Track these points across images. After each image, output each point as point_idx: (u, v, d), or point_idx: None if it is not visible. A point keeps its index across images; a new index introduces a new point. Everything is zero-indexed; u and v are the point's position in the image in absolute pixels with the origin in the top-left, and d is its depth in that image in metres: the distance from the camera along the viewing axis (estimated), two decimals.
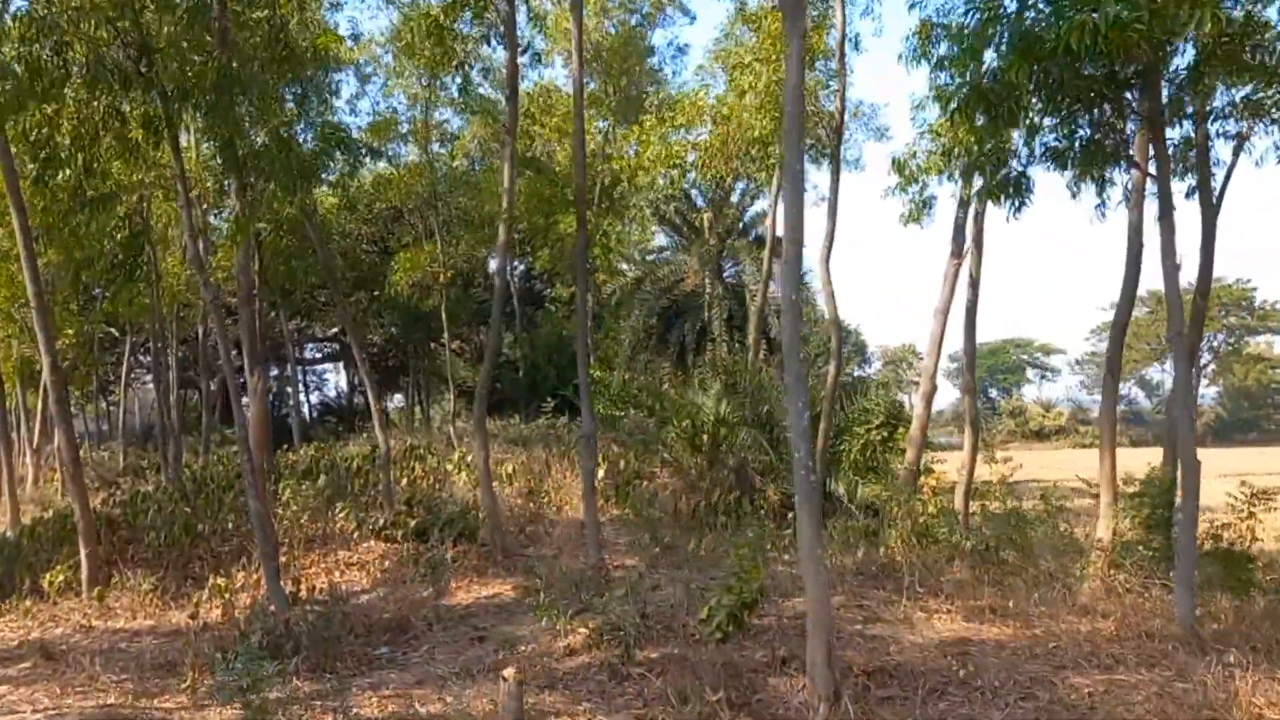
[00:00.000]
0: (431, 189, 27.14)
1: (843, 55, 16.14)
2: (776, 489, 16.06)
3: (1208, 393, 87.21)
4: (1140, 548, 10.47)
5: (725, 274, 30.86)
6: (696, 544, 12.70)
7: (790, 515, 15.46)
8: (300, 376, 47.86)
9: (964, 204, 17.11)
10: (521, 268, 43.40)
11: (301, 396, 44.51)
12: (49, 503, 24.53)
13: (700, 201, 32.49)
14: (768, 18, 19.08)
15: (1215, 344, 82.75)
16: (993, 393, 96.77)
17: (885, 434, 18.64)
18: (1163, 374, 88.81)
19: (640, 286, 32.14)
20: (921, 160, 16.81)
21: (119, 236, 11.50)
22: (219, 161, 11.71)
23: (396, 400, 52.10)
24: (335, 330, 44.77)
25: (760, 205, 31.93)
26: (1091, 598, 9.39)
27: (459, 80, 12.90)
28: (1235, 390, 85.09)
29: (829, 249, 16.57)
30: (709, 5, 77.27)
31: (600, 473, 17.54)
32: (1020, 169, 10.09)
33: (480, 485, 12.83)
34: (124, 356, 34.34)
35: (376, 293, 40.69)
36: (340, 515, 13.62)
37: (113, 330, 36.83)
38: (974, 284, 17.41)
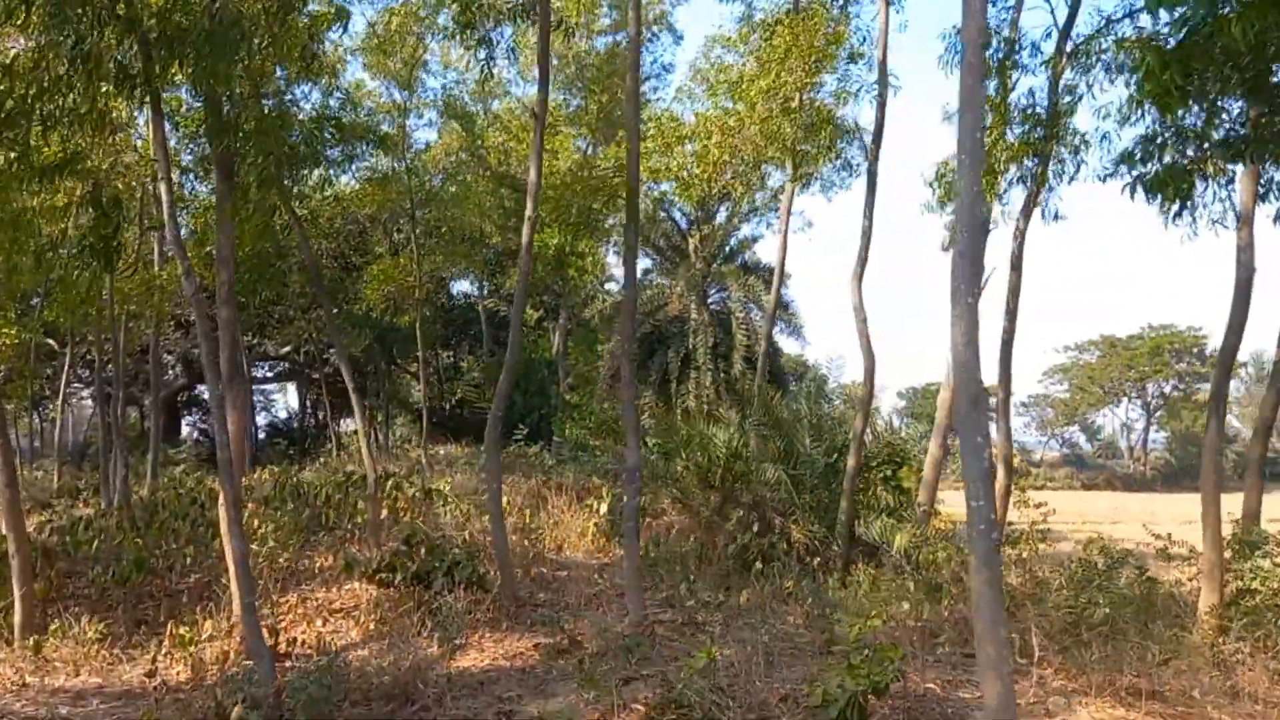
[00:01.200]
0: (409, 199, 25.44)
1: (884, 59, 14.85)
2: (800, 530, 14.53)
3: (1157, 438, 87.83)
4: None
5: (709, 300, 29.46)
6: (735, 594, 11.13)
7: (816, 560, 14.00)
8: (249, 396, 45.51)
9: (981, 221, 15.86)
10: (486, 289, 41.80)
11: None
12: None
13: (684, 223, 31.15)
14: (782, 23, 17.73)
15: (1166, 390, 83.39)
16: None
17: (888, 472, 17.32)
18: (1110, 418, 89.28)
19: (621, 312, 30.63)
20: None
21: (84, 218, 9.61)
22: (199, 133, 10.09)
23: (345, 424, 49.88)
24: (287, 349, 42.63)
25: (747, 230, 30.71)
26: (1246, 679, 7.97)
27: (481, 58, 11.16)
28: (1183, 436, 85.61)
29: (861, 272, 15.20)
30: (692, 25, 76.73)
31: (602, 509, 15.93)
32: (1192, 156, 8.67)
33: (491, 523, 11.14)
34: (63, 369, 31.96)
35: (337, 310, 38.93)
36: (324, 551, 11.80)
37: (51, 341, 34.46)
38: (1010, 314, 16.14)
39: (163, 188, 8.06)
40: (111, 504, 21.57)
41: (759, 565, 12.53)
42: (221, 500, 9.62)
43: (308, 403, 46.79)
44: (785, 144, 20.62)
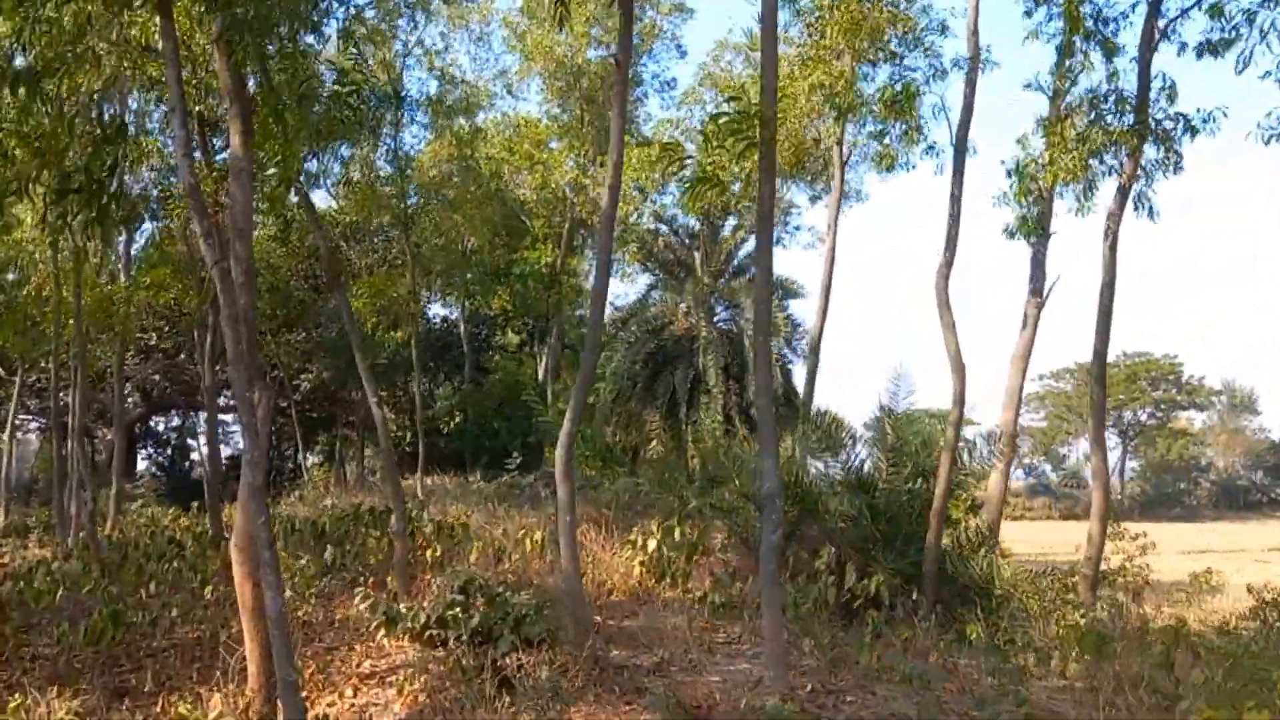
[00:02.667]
0: (401, 204, 23.45)
1: (975, 28, 13.16)
2: (882, 568, 12.53)
3: (1130, 467, 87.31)
4: None
5: (716, 318, 27.57)
6: (853, 649, 9.13)
7: (898, 604, 12.02)
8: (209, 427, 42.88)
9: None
10: (459, 311, 39.72)
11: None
12: None
13: (686, 239, 29.34)
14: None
15: (1142, 418, 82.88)
16: None
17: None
18: (1074, 448, 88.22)
19: (624, 328, 28.67)
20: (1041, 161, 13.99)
21: (78, 144, 7.47)
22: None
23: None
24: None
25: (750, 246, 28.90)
26: None
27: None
28: (1158, 465, 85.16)
29: (948, 270, 13.42)
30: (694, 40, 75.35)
31: (650, 545, 13.87)
32: None
33: (564, 564, 9.03)
34: (12, 398, 29.37)
35: (306, 335, 36.69)
36: (346, 601, 9.55)
37: None
38: (1103, 322, 14.40)
39: (175, 116, 5.98)
40: (67, 545, 19.20)
41: (872, 612, 10.52)
42: (236, 540, 7.49)
43: (273, 434, 44.16)
44: (833, 139, 19.01)
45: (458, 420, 33.32)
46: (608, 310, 37.60)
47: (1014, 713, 6.82)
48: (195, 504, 27.02)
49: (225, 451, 45.11)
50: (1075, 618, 11.59)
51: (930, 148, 14.55)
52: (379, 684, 8.89)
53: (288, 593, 10.57)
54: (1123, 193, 14.19)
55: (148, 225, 30.06)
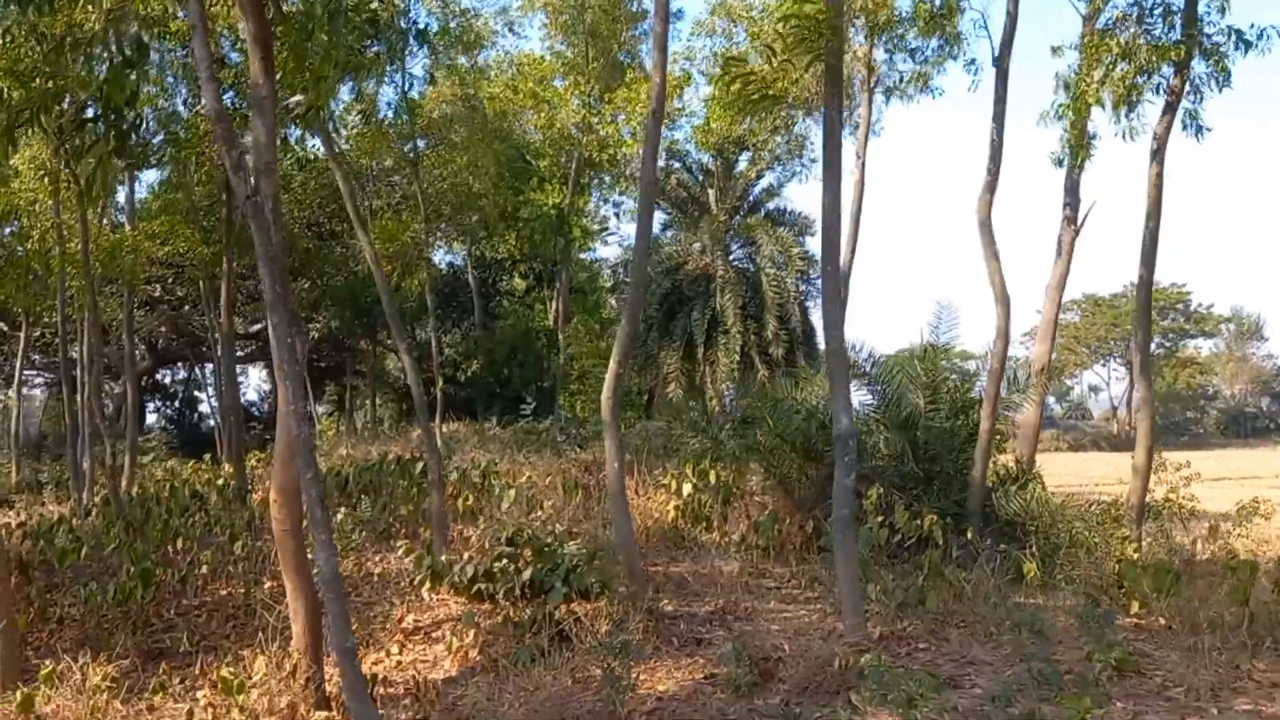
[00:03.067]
0: (411, 143, 22.79)
1: None
2: (928, 507, 12.09)
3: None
4: None
5: (731, 257, 26.98)
6: (932, 594, 8.75)
7: (951, 543, 11.64)
8: (216, 379, 42.52)
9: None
10: (464, 258, 39.06)
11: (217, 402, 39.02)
12: None
13: (699, 176, 28.63)
14: None
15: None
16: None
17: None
18: (1078, 380, 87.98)
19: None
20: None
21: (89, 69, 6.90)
22: None
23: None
24: (257, 327, 39.69)
25: (771, 178, 28.26)
26: None
27: None
28: (1165, 394, 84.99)
29: (991, 197, 12.87)
30: None
31: (686, 489, 13.50)
32: None
33: (613, 513, 8.64)
34: (19, 352, 28.92)
35: (310, 284, 36.13)
36: (402, 557, 9.14)
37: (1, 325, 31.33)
38: (1149, 246, 13.87)
39: (195, 30, 5.42)
40: (84, 501, 18.90)
41: (930, 554, 10.12)
42: (274, 494, 7.07)
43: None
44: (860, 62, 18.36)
45: (474, 367, 32.83)
46: (617, 251, 37.06)
47: (1106, 658, 6.44)
48: (208, 456, 26.74)
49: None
50: (1129, 552, 11.25)
51: (971, 63, 13.91)
52: (424, 640, 8.56)
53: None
54: (1169, 111, 13.58)
55: (151, 174, 29.45)
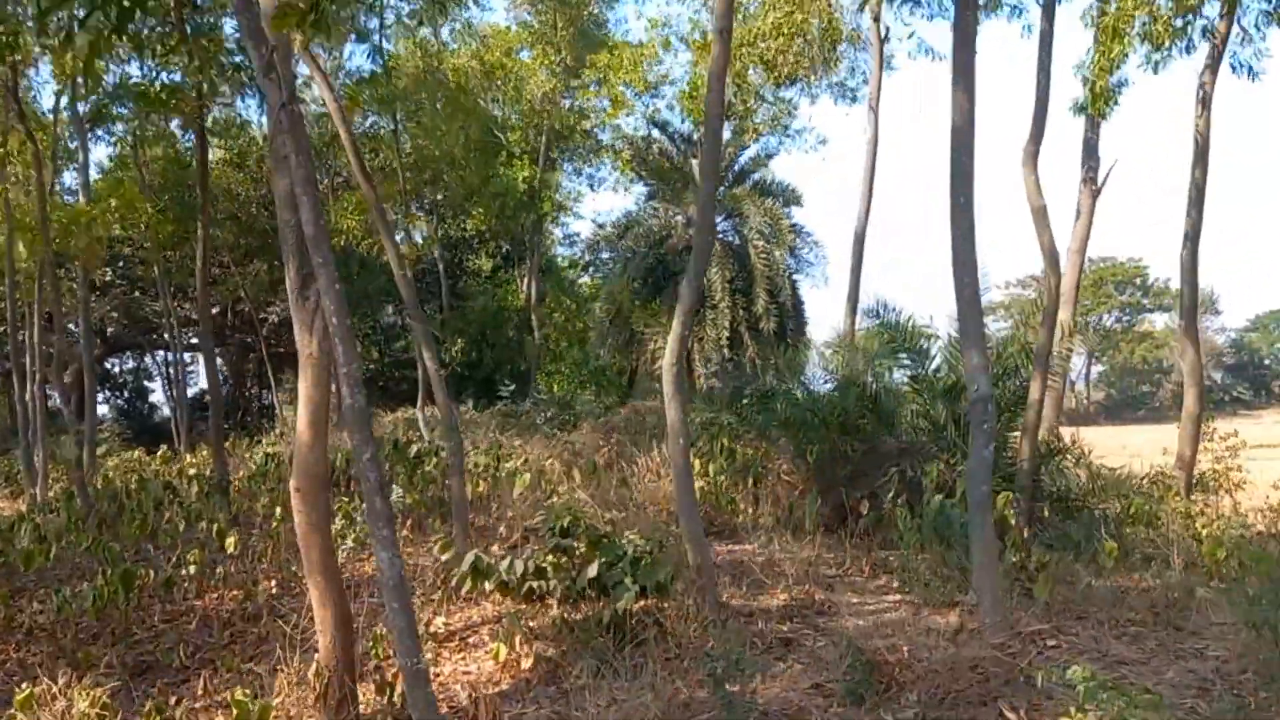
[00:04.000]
0: (393, 104, 21.52)
1: None
2: (931, 480, 11.05)
3: (1094, 370, 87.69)
4: None
5: (717, 229, 25.87)
6: (1040, 583, 7.79)
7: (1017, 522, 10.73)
8: (166, 368, 40.76)
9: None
10: (424, 234, 37.56)
11: (172, 390, 37.20)
12: None
13: (682, 146, 27.50)
14: None
15: (1108, 322, 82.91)
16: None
17: None
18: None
19: (619, 242, 26.99)
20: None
21: None
22: None
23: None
24: (213, 311, 37.87)
25: (755, 149, 27.20)
26: None
27: None
28: (1121, 368, 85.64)
29: (1036, 148, 11.93)
30: None
31: (711, 469, 12.48)
32: None
33: (679, 492, 7.56)
34: None
35: (268, 265, 34.56)
36: (436, 551, 7.90)
37: None
38: (1195, 200, 13.06)
39: None
40: (38, 496, 17.49)
41: (1014, 535, 9.17)
42: (297, 482, 5.94)
43: (245, 372, 42.20)
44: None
45: (446, 349, 31.56)
46: (590, 228, 35.75)
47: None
48: (164, 447, 25.22)
49: (189, 392, 43.02)
50: (1200, 528, 10.45)
51: (1015, 7, 12.97)
52: (461, 647, 7.44)
53: (349, 541, 9.06)
54: (1215, 53, 12.79)
55: (101, 151, 27.67)
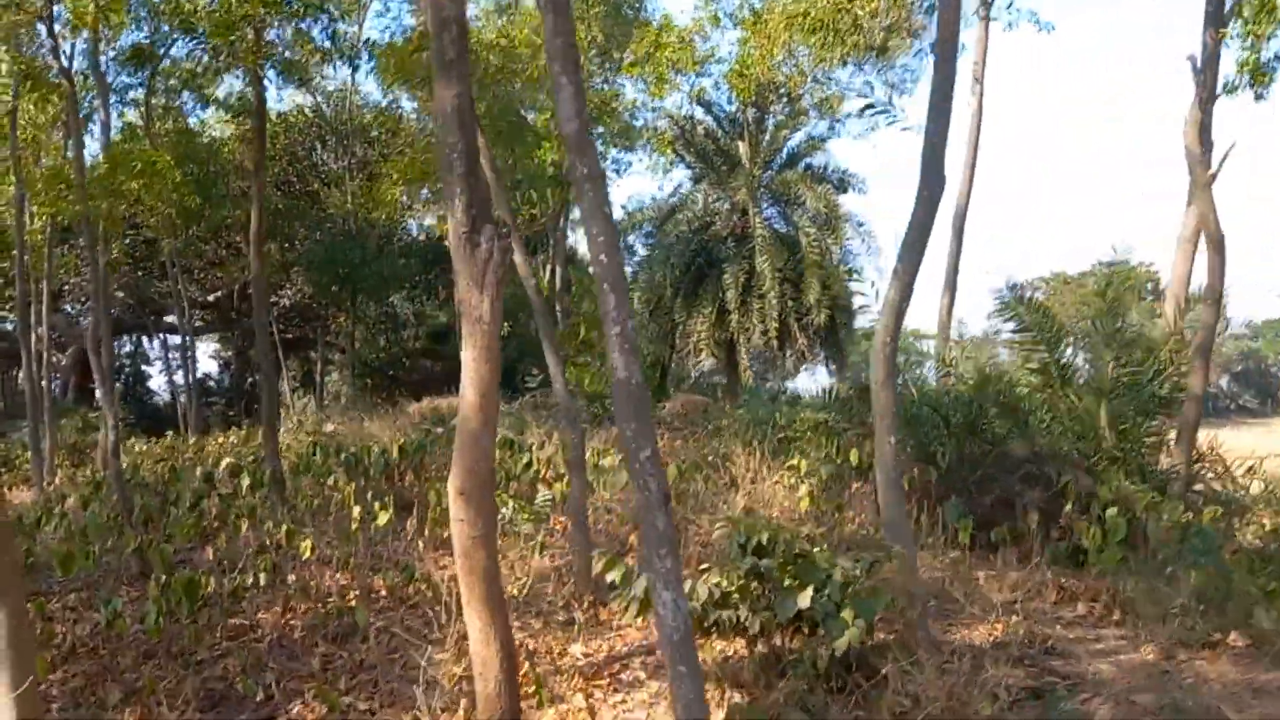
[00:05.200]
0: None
1: None
2: (1110, 491, 9.68)
3: None
4: None
5: (764, 215, 24.49)
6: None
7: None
8: (166, 351, 39.25)
9: None
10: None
11: (177, 376, 35.61)
12: None
13: (728, 127, 26.11)
14: None
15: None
16: None
17: None
18: None
19: (661, 228, 25.63)
20: None
21: None
22: None
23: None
24: (217, 294, 36.48)
25: (804, 134, 25.81)
26: None
27: None
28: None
29: (1202, 115, 10.64)
30: None
31: (825, 471, 11.13)
32: None
33: (887, 508, 6.16)
34: None
35: (288, 244, 33.14)
36: (602, 568, 6.35)
37: None
38: None
39: None
40: (47, 484, 16.11)
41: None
42: (458, 483, 4.57)
43: (248, 358, 40.69)
44: None
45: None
46: (619, 214, 34.41)
47: None
48: (170, 433, 23.78)
49: (174, 380, 41.27)
50: None
51: None
52: (615, 686, 6.07)
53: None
54: None
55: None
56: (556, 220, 31.32)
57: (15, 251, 17.35)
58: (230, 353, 43.22)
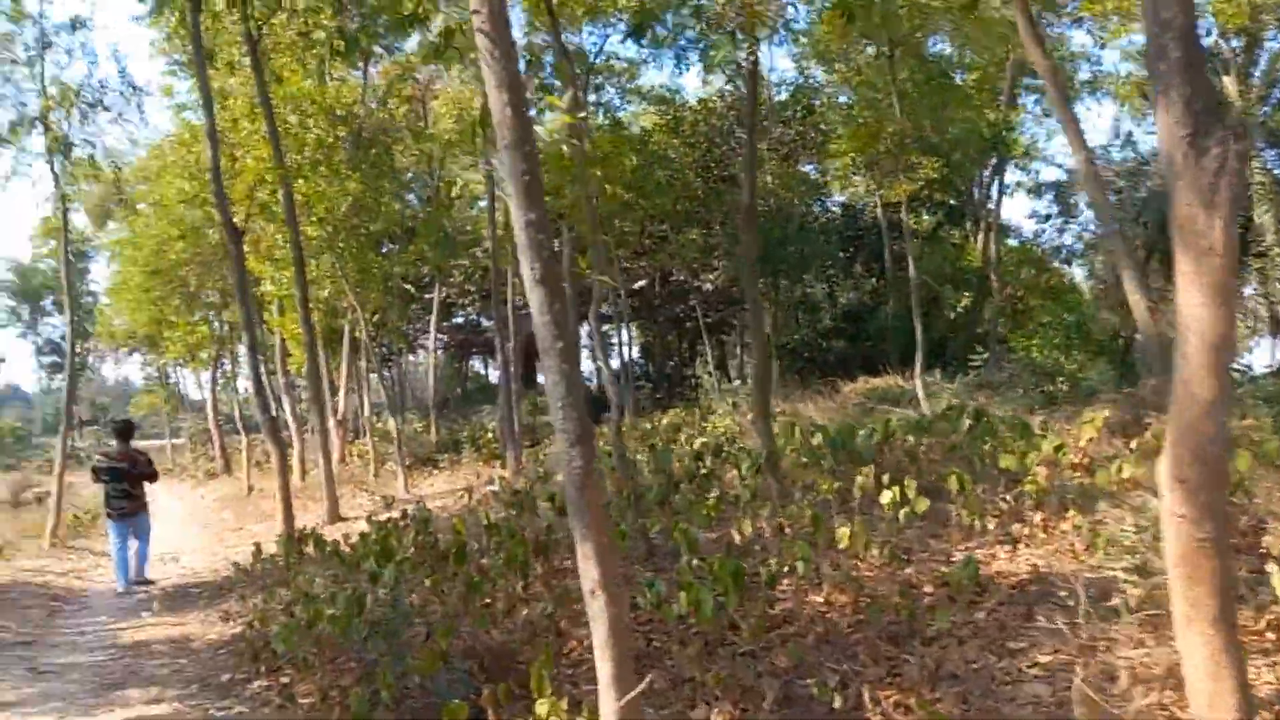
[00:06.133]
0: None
1: None
2: None
3: None
4: None
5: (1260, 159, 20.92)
6: None
7: None
8: (593, 338, 41.14)
9: None
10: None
11: (613, 361, 37.55)
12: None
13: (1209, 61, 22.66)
14: None
15: None
16: None
17: None
18: None
19: (1134, 188, 22.90)
20: None
21: None
22: None
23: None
24: (641, 284, 37.67)
25: None
26: None
27: None
28: None
29: None
30: None
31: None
32: None
33: None
34: (434, 311, 28.89)
35: (725, 224, 33.23)
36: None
37: (409, 286, 31.23)
38: None
39: None
40: (519, 474, 16.85)
41: None
42: (1174, 470, 3.46)
43: (666, 345, 42.17)
44: None
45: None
46: (1056, 173, 31.53)
47: None
48: (603, 416, 24.65)
49: (614, 364, 43.34)
50: None
51: None
52: None
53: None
54: None
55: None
56: (989, 185, 29.23)
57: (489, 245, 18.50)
58: (651, 338, 44.87)
